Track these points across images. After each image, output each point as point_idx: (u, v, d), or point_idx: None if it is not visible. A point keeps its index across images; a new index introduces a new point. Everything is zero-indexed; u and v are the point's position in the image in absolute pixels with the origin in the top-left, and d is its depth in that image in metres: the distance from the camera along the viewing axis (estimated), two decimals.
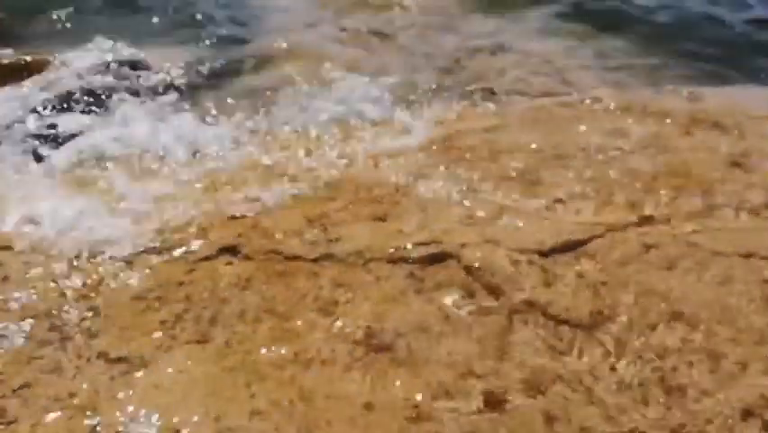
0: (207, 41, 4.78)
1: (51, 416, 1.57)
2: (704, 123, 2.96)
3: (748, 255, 2.13)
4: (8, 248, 2.12)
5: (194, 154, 2.67)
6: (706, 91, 3.41)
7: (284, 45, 5.04)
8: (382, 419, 1.57)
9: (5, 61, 4.00)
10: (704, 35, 5.89)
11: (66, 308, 1.89)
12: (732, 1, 6.70)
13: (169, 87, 3.77)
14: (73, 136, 2.93)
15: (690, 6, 6.59)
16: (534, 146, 2.71)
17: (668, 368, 1.75)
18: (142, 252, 2.09)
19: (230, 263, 2.04)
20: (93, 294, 1.93)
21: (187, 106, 3.42)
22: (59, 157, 2.72)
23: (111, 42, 4.16)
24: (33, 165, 2.68)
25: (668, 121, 2.97)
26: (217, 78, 4.16)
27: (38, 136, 2.94)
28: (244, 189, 2.40)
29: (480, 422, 1.59)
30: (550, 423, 1.59)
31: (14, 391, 1.64)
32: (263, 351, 1.74)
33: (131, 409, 1.59)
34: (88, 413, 1.58)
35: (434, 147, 2.69)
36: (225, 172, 2.54)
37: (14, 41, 4.42)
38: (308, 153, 2.68)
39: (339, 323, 1.83)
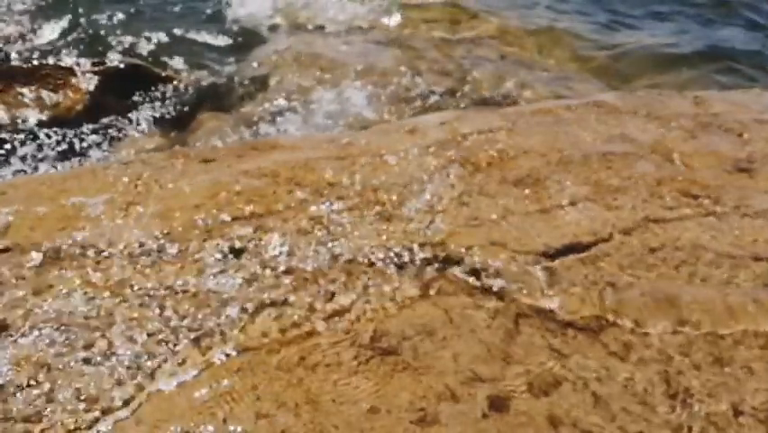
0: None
1: (57, 417, 1.57)
2: (709, 126, 2.96)
3: (754, 258, 2.13)
4: None
5: None
6: (711, 95, 3.42)
7: (288, 51, 5.07)
8: (388, 423, 1.58)
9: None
10: (708, 39, 5.90)
11: None
12: (734, 4, 6.70)
13: None
14: None
15: (692, 11, 6.60)
16: (538, 149, 2.71)
17: (673, 372, 1.75)
18: None
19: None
20: None
21: None
22: None
23: None
24: None
25: (673, 125, 2.97)
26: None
27: None
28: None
29: (485, 426, 1.59)
30: (555, 427, 1.59)
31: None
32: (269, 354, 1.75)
33: (137, 410, 1.59)
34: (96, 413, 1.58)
35: (439, 149, 2.69)
36: None
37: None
38: (312, 155, 2.69)
39: (344, 326, 1.83)
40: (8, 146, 3.71)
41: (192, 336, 1.78)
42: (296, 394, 1.63)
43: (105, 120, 3.99)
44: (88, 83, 4.06)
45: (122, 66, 4.26)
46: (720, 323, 1.89)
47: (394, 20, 5.76)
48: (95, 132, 3.91)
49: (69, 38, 5.05)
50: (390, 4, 5.93)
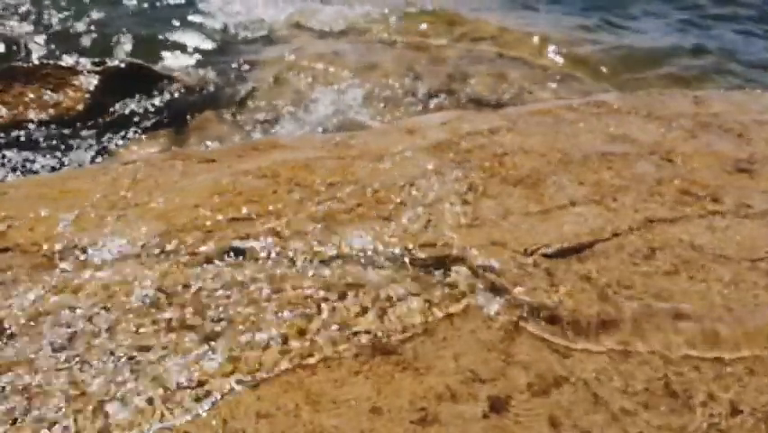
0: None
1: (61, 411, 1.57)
2: (709, 126, 2.97)
3: (755, 259, 2.13)
4: None
5: None
6: (711, 95, 3.42)
7: (289, 51, 5.07)
8: (389, 423, 1.58)
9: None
10: (708, 39, 5.90)
11: None
12: (734, 3, 6.71)
13: None
14: None
15: (692, 11, 6.61)
16: (538, 149, 2.71)
17: (673, 372, 1.75)
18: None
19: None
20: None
21: None
22: None
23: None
24: None
25: (673, 125, 2.97)
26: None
27: None
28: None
29: (485, 426, 1.59)
30: (555, 427, 1.59)
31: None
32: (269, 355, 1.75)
33: (138, 408, 1.59)
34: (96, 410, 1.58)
35: (439, 149, 2.69)
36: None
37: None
38: (312, 155, 2.69)
39: (345, 327, 1.83)
40: (8, 146, 3.71)
41: (191, 338, 1.78)
42: (296, 394, 1.64)
43: (105, 120, 3.99)
44: (88, 83, 4.05)
45: (122, 66, 4.26)
46: (720, 323, 1.89)
47: (394, 21, 5.76)
48: (95, 132, 3.91)
49: (69, 38, 5.05)
50: (390, 4, 5.94)
